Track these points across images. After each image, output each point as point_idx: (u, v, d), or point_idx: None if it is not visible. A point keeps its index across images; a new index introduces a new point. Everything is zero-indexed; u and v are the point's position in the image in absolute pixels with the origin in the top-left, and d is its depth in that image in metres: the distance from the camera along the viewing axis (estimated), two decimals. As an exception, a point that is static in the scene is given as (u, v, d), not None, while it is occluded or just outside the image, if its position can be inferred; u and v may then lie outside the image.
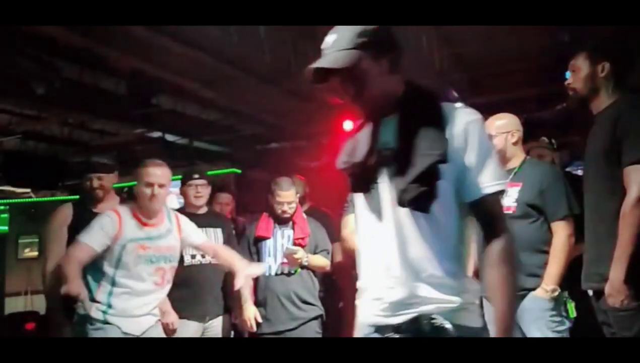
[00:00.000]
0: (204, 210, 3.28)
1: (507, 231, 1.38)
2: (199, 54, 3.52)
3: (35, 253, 7.98)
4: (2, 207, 8.16)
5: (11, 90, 3.71)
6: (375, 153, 1.40)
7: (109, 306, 2.51)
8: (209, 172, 3.53)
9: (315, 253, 3.28)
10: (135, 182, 2.69)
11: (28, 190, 7.16)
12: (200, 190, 3.21)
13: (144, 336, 2.55)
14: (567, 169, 4.07)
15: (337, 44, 1.40)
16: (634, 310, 1.91)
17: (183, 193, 3.28)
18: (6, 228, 8.23)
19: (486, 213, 1.37)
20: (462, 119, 1.37)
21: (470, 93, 4.60)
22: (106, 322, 2.48)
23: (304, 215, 3.41)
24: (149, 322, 2.61)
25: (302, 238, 3.25)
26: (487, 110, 2.90)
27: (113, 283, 2.54)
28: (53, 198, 7.04)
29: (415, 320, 1.37)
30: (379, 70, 1.39)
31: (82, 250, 2.48)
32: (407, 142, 1.34)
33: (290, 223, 3.31)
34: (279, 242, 3.26)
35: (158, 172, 2.63)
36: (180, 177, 3.35)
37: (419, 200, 1.32)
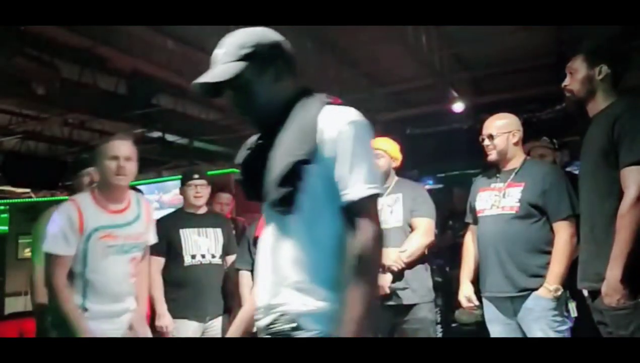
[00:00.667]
0: (203, 210, 3.28)
1: (371, 240, 1.30)
2: (199, 54, 3.52)
3: (36, 254, 7.99)
4: (2, 207, 8.15)
5: (11, 90, 3.71)
6: (261, 161, 1.39)
7: (85, 309, 2.28)
8: (209, 172, 3.53)
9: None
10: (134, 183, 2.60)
11: (28, 190, 7.16)
12: (200, 190, 3.20)
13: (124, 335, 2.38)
14: (567, 169, 4.07)
15: (223, 57, 1.41)
16: (630, 309, 1.93)
17: (183, 193, 3.28)
18: (6, 228, 8.23)
19: (353, 220, 1.32)
20: (337, 122, 1.34)
21: (470, 93, 4.60)
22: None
23: None
24: (127, 320, 2.41)
25: None
26: (487, 110, 2.92)
27: (85, 283, 2.29)
28: (53, 198, 7.04)
29: (273, 323, 1.37)
30: (264, 80, 1.40)
31: (64, 264, 2.25)
32: (280, 147, 1.35)
33: None
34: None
35: (123, 146, 2.37)
36: (180, 177, 3.35)
37: (280, 202, 1.32)
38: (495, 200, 2.65)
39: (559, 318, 2.48)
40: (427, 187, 5.49)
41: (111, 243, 2.32)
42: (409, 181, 3.32)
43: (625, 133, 1.97)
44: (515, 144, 2.69)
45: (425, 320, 3.00)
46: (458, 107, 4.80)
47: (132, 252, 2.40)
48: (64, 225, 2.25)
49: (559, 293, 2.45)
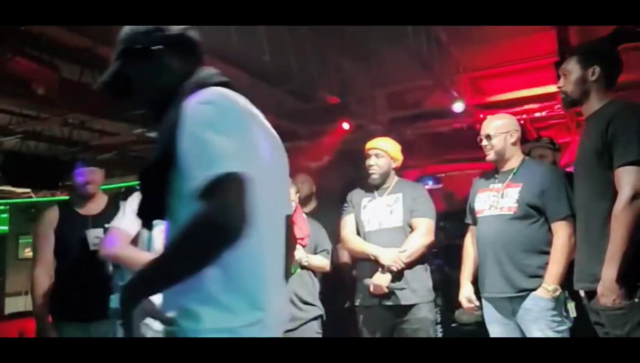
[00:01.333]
0: None
1: (202, 225, 1.10)
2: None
3: (36, 253, 7.99)
4: (2, 207, 8.15)
5: (11, 90, 3.70)
6: None
7: None
8: None
9: (315, 253, 3.28)
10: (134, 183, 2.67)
11: (28, 190, 7.15)
12: None
13: None
14: (568, 169, 4.07)
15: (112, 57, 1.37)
16: (626, 309, 1.94)
17: None
18: (6, 228, 8.23)
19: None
20: (184, 111, 1.19)
21: (470, 93, 4.60)
22: None
23: (304, 215, 3.40)
24: None
25: (302, 239, 3.25)
26: (487, 111, 2.92)
27: None
28: (53, 198, 7.04)
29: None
30: (149, 71, 1.35)
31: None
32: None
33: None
34: (278, 242, 3.25)
35: None
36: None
37: (140, 209, 1.26)
38: (494, 201, 2.65)
39: (557, 319, 2.47)
40: (427, 187, 5.49)
41: None
42: (409, 181, 3.33)
43: (619, 134, 1.99)
44: (513, 144, 2.68)
45: (425, 320, 3.00)
46: (458, 107, 4.80)
47: None
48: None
49: (557, 293, 2.45)
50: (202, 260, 1.13)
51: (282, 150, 1.40)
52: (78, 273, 2.91)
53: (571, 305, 2.47)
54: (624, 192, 1.94)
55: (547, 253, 2.51)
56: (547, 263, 2.49)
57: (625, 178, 1.95)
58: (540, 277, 2.49)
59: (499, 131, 2.67)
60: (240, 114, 1.26)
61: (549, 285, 2.45)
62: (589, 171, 2.11)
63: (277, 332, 1.34)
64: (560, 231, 2.48)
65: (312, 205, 4.10)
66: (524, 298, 2.51)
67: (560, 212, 2.50)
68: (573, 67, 2.18)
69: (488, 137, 2.69)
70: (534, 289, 2.49)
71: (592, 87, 2.15)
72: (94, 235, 2.94)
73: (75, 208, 3.02)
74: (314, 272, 3.28)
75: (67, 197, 4.15)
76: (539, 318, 2.47)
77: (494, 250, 2.59)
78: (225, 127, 1.17)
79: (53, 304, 2.90)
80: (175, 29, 1.40)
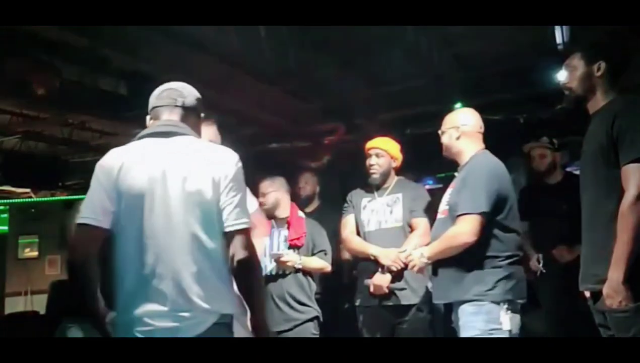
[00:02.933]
0: None
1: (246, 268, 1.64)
2: (199, 54, 3.52)
3: (35, 253, 7.97)
4: (2, 207, 8.14)
5: (11, 90, 3.70)
6: None
7: None
8: None
9: (312, 253, 3.27)
10: None
11: (28, 190, 7.15)
12: None
13: None
14: (568, 169, 4.06)
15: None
16: (632, 311, 1.90)
17: None
18: (6, 228, 8.22)
19: (229, 247, 1.64)
20: None
21: (470, 93, 4.60)
22: None
23: (301, 214, 3.40)
24: None
25: (298, 238, 3.24)
26: (487, 111, 2.92)
27: None
28: (53, 198, 7.03)
29: None
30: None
31: None
32: None
33: (286, 223, 3.31)
34: (275, 242, 3.25)
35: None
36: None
37: None
38: (443, 201, 2.58)
39: (483, 326, 2.24)
40: (427, 187, 5.48)
41: None
42: (409, 181, 3.32)
43: (625, 130, 1.95)
44: (458, 138, 2.55)
45: (425, 320, 3.00)
46: (458, 107, 4.80)
47: None
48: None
49: (415, 255, 2.49)
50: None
51: (163, 173, 1.67)
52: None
53: (505, 316, 2.27)
54: (631, 191, 1.89)
55: (475, 258, 2.34)
56: (472, 269, 2.33)
57: (631, 176, 1.90)
58: (468, 284, 2.33)
59: (446, 126, 2.60)
60: (99, 168, 1.73)
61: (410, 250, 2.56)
62: (594, 169, 2.07)
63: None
64: (458, 222, 2.35)
65: (314, 204, 4.10)
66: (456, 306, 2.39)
67: (461, 208, 2.35)
68: (578, 63, 2.14)
69: (442, 133, 2.63)
70: (461, 299, 2.33)
71: (597, 83, 2.11)
72: None
73: None
74: (310, 273, 3.27)
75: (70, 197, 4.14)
76: (465, 324, 2.30)
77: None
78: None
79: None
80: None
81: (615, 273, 1.90)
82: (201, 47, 3.41)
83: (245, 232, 1.64)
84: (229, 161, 1.73)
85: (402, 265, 2.92)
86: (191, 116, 1.82)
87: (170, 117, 1.77)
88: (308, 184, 4.12)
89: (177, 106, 1.79)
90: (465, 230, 2.32)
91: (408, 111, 5.09)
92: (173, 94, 1.82)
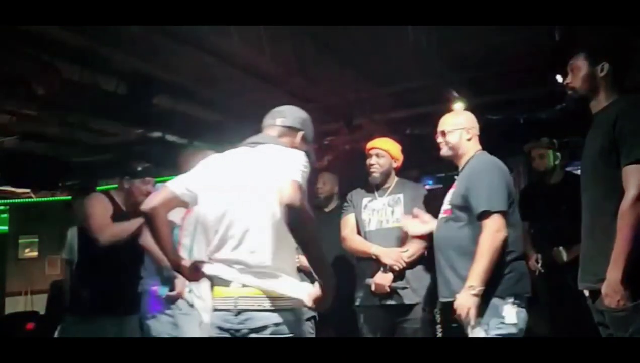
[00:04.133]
0: None
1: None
2: (199, 54, 3.51)
3: (35, 253, 7.98)
4: (2, 207, 8.14)
5: (11, 90, 3.70)
6: None
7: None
8: None
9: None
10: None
11: (28, 190, 7.15)
12: None
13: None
14: (568, 169, 4.07)
15: None
16: (631, 310, 1.91)
17: None
18: (6, 228, 8.22)
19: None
20: None
21: (470, 93, 4.59)
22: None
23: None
24: None
25: None
26: (487, 110, 2.92)
27: None
28: (53, 198, 7.02)
29: None
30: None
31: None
32: None
33: None
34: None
35: None
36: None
37: None
38: (446, 201, 2.60)
39: (490, 322, 2.26)
40: (427, 187, 5.47)
41: None
42: (409, 181, 3.33)
43: (627, 131, 1.96)
44: (469, 140, 2.58)
45: (425, 319, 3.00)
46: (458, 107, 4.80)
47: None
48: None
49: (477, 291, 2.25)
50: None
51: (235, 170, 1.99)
52: (122, 268, 3.06)
53: (511, 310, 2.29)
54: (631, 191, 1.90)
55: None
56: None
57: (632, 177, 1.92)
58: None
59: (453, 127, 2.62)
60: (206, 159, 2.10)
61: (471, 283, 2.27)
62: (595, 169, 2.08)
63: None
64: (483, 227, 2.34)
65: (332, 204, 4.09)
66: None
67: (479, 207, 2.36)
68: (581, 63, 2.15)
69: (443, 133, 2.63)
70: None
71: (600, 84, 2.12)
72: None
73: (119, 203, 3.17)
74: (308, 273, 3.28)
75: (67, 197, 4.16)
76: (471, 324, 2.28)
77: (436, 255, 2.57)
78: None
79: (89, 298, 2.99)
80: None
81: (614, 272, 1.91)
82: (201, 46, 3.41)
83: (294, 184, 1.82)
84: (293, 158, 1.94)
85: (404, 265, 2.93)
86: (289, 133, 2.14)
87: (268, 132, 2.14)
88: (326, 184, 4.11)
89: (275, 125, 2.14)
90: (496, 227, 2.33)
91: (408, 111, 5.09)
92: (276, 115, 2.19)
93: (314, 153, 2.22)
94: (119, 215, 3.10)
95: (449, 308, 2.42)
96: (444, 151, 2.64)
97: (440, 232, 2.55)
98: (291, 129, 2.16)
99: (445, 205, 2.56)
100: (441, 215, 2.59)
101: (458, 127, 2.61)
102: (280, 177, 1.80)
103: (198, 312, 2.67)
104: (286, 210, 1.72)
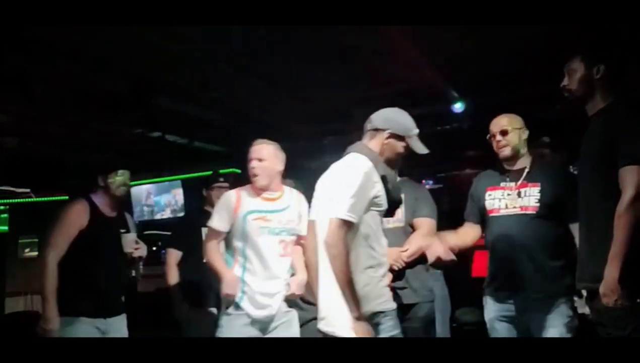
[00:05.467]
0: None
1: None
2: (199, 54, 3.52)
3: (35, 253, 7.97)
4: (2, 207, 8.14)
5: (11, 90, 3.70)
6: None
7: (244, 283, 2.72)
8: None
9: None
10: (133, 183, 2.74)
11: (28, 190, 7.15)
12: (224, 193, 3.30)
13: (274, 322, 2.75)
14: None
15: None
16: (628, 310, 1.92)
17: (207, 195, 3.72)
18: (6, 228, 8.22)
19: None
20: None
21: (470, 93, 4.60)
22: (238, 307, 2.69)
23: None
24: (279, 301, 2.77)
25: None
26: (487, 110, 2.91)
27: (245, 257, 2.75)
28: (53, 198, 7.02)
29: None
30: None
31: (216, 236, 2.80)
32: None
33: None
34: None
35: (256, 148, 2.88)
36: (179, 177, 3.40)
37: None
38: (510, 199, 2.61)
39: (573, 323, 2.46)
40: (427, 187, 5.47)
41: (263, 224, 2.78)
42: (410, 181, 3.32)
43: (623, 133, 1.98)
44: (525, 141, 2.68)
45: (425, 319, 3.00)
46: (458, 107, 4.80)
47: (281, 235, 2.82)
48: (220, 206, 2.84)
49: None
50: None
51: None
52: (110, 272, 3.02)
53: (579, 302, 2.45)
54: (628, 192, 1.93)
55: (565, 254, 2.49)
56: (564, 266, 2.47)
57: (628, 177, 1.94)
58: (559, 278, 2.47)
59: (514, 127, 2.66)
60: None
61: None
62: (592, 170, 2.10)
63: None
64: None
65: None
66: (541, 300, 2.48)
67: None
68: (578, 66, 2.17)
69: (504, 132, 2.66)
70: (555, 292, 2.47)
71: (596, 86, 2.14)
72: (132, 239, 3.23)
73: (101, 208, 3.11)
74: None
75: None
76: (555, 323, 2.45)
77: (513, 250, 2.55)
78: None
79: (73, 300, 2.92)
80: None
81: (612, 272, 1.93)
82: (202, 46, 3.41)
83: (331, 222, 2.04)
84: (347, 177, 2.15)
85: (403, 265, 2.93)
86: (376, 135, 2.33)
87: (363, 140, 2.35)
88: None
89: (366, 131, 2.36)
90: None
91: (408, 111, 5.09)
92: (367, 121, 2.38)
93: (415, 141, 2.34)
94: (100, 220, 3.05)
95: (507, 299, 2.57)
96: (506, 152, 2.67)
97: (522, 228, 2.54)
98: (377, 131, 2.32)
99: (531, 203, 2.55)
100: (517, 212, 2.57)
101: (518, 126, 2.68)
102: (331, 201, 2.06)
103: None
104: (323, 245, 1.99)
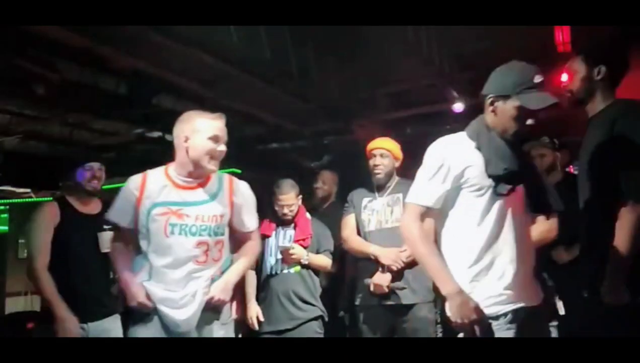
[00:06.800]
0: None
1: None
2: (199, 54, 3.52)
3: (35, 254, 7.97)
4: (2, 207, 8.14)
5: (11, 90, 3.70)
6: None
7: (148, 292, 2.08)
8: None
9: (318, 253, 3.29)
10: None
11: (28, 190, 7.15)
12: None
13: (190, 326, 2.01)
14: (568, 169, 4.07)
15: None
16: (629, 309, 1.92)
17: None
18: (6, 228, 8.22)
19: None
20: None
21: (470, 93, 4.60)
22: (147, 313, 2.04)
23: (308, 215, 3.40)
24: (192, 311, 2.04)
25: (304, 239, 3.25)
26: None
27: (150, 264, 2.10)
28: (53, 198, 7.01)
29: None
30: None
31: (119, 232, 2.20)
32: None
33: (293, 223, 3.31)
34: (280, 241, 3.26)
35: (222, 126, 2.20)
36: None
37: None
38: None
39: None
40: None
41: (175, 221, 2.08)
42: (409, 181, 3.33)
43: (624, 134, 1.97)
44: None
45: (425, 320, 3.00)
46: (458, 107, 4.80)
47: (200, 235, 2.11)
48: (119, 194, 2.16)
49: None
50: None
51: None
52: (84, 273, 2.88)
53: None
54: (630, 192, 1.92)
55: None
56: None
57: (629, 179, 1.93)
58: None
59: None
60: None
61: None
62: (592, 172, 2.10)
63: None
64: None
65: (326, 203, 4.10)
66: None
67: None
68: (579, 66, 2.17)
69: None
70: None
71: (597, 87, 2.13)
72: (107, 237, 2.74)
73: (75, 206, 2.97)
74: (316, 272, 3.29)
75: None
76: None
77: None
78: None
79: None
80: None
81: (613, 272, 1.93)
82: (201, 45, 3.41)
83: None
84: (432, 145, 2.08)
85: (403, 265, 2.93)
86: (485, 104, 1.98)
87: None
88: (326, 184, 4.11)
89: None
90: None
91: (408, 111, 5.09)
92: None
93: (527, 96, 1.81)
94: (73, 219, 2.92)
95: None
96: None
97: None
98: (485, 100, 1.95)
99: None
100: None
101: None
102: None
103: None
104: None
